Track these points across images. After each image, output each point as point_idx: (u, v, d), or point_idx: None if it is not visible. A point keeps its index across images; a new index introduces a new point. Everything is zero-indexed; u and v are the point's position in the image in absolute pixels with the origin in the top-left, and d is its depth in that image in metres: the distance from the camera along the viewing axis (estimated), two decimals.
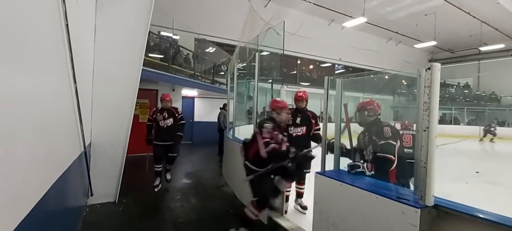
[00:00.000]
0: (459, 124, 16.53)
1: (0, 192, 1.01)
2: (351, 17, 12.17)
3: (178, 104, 8.32)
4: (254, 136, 2.80)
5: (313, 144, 3.46)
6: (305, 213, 3.43)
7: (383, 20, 13.52)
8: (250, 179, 2.78)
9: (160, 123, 4.35)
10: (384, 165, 2.21)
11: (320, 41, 13.99)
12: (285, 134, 2.92)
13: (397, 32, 15.24)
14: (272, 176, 2.86)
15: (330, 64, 16.02)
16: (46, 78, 1.60)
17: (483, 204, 1.58)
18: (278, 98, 3.22)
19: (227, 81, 7.15)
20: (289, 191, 3.51)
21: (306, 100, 3.60)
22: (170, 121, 4.41)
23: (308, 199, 3.34)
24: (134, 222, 3.32)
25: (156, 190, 4.38)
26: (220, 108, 8.22)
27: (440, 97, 1.62)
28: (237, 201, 4.08)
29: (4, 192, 1.04)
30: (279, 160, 2.69)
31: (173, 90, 8.16)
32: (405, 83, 14.49)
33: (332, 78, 2.56)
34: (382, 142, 2.23)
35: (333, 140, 2.49)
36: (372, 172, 2.25)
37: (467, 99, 18.35)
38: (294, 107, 3.58)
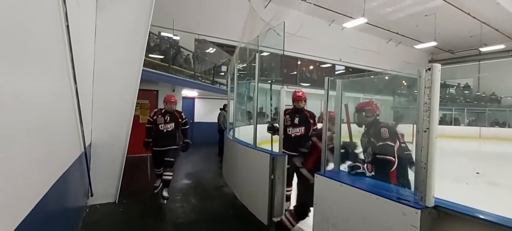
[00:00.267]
0: (459, 125, 16.53)
1: (0, 192, 1.01)
2: (351, 17, 12.19)
3: (178, 105, 8.31)
4: (314, 144, 2.73)
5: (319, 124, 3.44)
6: (308, 216, 3.40)
7: (383, 20, 13.54)
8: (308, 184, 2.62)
9: (159, 126, 3.95)
10: (384, 166, 2.21)
11: (320, 41, 14.00)
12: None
13: (397, 33, 15.26)
14: None
15: (330, 65, 16.02)
16: (47, 78, 1.60)
17: (484, 205, 1.58)
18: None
19: (227, 82, 7.15)
20: (290, 191, 3.50)
21: (304, 100, 3.60)
22: (171, 126, 3.99)
23: None
24: (134, 223, 3.32)
25: (155, 191, 4.17)
26: (220, 109, 8.23)
27: (440, 98, 1.62)
28: (237, 201, 4.08)
29: (4, 192, 1.04)
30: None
31: (173, 90, 8.16)
32: (405, 84, 14.48)
33: (332, 79, 2.55)
34: (380, 143, 2.23)
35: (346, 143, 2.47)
36: (372, 173, 2.25)
37: (467, 100, 18.35)
38: (292, 107, 3.57)
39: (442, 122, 16.24)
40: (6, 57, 1.05)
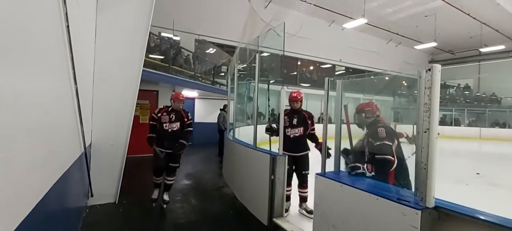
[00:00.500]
0: (459, 125, 16.52)
1: (0, 193, 1.01)
2: (351, 18, 12.19)
3: None
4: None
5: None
6: (311, 218, 3.38)
7: (383, 21, 13.55)
8: None
9: (164, 125, 3.64)
10: (384, 166, 2.21)
11: (320, 42, 14.02)
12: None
13: (397, 33, 15.27)
14: None
15: (330, 65, 16.03)
16: (47, 79, 1.60)
17: (484, 206, 1.58)
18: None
19: (227, 82, 7.16)
20: (289, 191, 3.50)
21: (301, 101, 3.60)
22: (176, 125, 3.69)
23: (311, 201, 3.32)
24: (134, 223, 3.32)
25: (154, 204, 3.76)
26: (220, 109, 8.23)
27: (440, 99, 1.62)
28: (237, 202, 4.08)
29: (4, 192, 1.04)
30: None
31: (174, 91, 8.16)
32: (405, 84, 14.48)
33: (332, 79, 2.56)
34: (378, 143, 2.23)
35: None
36: (373, 173, 2.25)
37: (467, 100, 18.34)
38: (290, 108, 3.57)
39: (442, 122, 16.22)
40: (6, 57, 1.05)
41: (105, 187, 3.71)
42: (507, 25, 13.53)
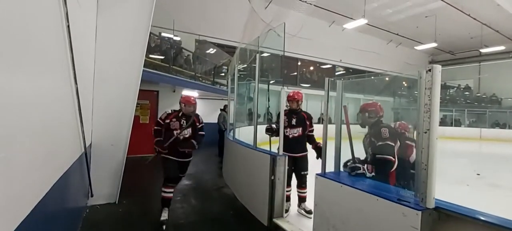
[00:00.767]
0: (460, 126, 16.52)
1: (0, 193, 1.01)
2: (351, 18, 12.19)
3: (178, 106, 8.31)
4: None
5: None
6: (310, 218, 3.39)
7: (383, 22, 13.54)
8: None
9: (174, 132, 3.31)
10: (384, 166, 2.21)
11: (321, 42, 14.02)
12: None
13: (397, 34, 15.26)
14: None
15: (331, 66, 16.03)
16: (47, 79, 1.60)
17: (484, 206, 1.57)
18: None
19: (227, 82, 7.16)
20: (289, 191, 3.51)
21: (300, 101, 3.60)
22: (188, 132, 3.39)
23: (311, 202, 3.33)
24: (134, 223, 3.32)
25: (164, 227, 3.18)
26: (221, 109, 8.22)
27: (440, 99, 1.62)
28: (237, 202, 4.08)
29: (4, 192, 1.04)
30: None
31: (174, 91, 8.16)
32: (405, 85, 14.48)
33: (332, 79, 2.56)
34: (380, 143, 2.23)
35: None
36: (373, 174, 2.25)
37: (468, 101, 18.34)
38: (289, 108, 3.56)
39: (443, 123, 16.22)
40: (6, 57, 1.05)
41: (105, 187, 3.71)
42: (507, 25, 13.52)
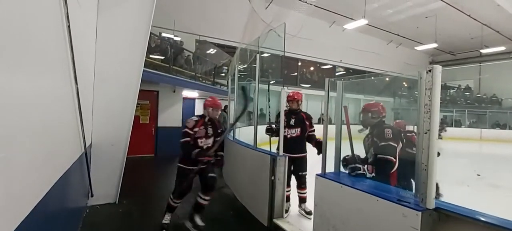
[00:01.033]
0: (460, 126, 16.51)
1: (0, 193, 1.01)
2: (352, 19, 12.19)
3: (178, 106, 8.33)
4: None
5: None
6: (310, 218, 3.39)
7: (384, 22, 13.54)
8: None
9: (199, 141, 2.97)
10: (385, 166, 2.20)
11: (321, 43, 14.01)
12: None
13: (398, 34, 15.26)
14: None
15: (331, 66, 16.02)
16: (47, 79, 1.60)
17: (484, 207, 1.57)
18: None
19: (227, 82, 7.16)
20: (289, 191, 3.50)
21: (299, 101, 3.60)
22: (211, 141, 3.08)
23: (311, 202, 3.33)
24: (134, 223, 3.32)
25: None
26: (221, 109, 8.21)
27: (441, 100, 1.62)
28: (237, 202, 4.08)
29: (4, 193, 1.04)
30: None
31: (174, 91, 8.16)
32: (406, 85, 14.48)
33: (333, 80, 2.56)
34: (383, 143, 2.23)
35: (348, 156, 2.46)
36: (373, 174, 2.25)
37: (468, 101, 18.33)
38: (288, 108, 3.56)
39: (443, 123, 16.20)
40: (6, 57, 1.05)
41: (105, 187, 3.71)
42: (507, 26, 13.51)
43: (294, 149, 3.47)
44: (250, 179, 3.77)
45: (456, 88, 19.66)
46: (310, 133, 3.57)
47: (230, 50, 10.59)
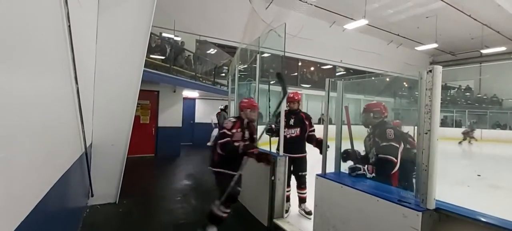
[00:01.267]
0: (460, 127, 16.49)
1: (0, 193, 1.01)
2: (352, 19, 12.19)
3: (179, 106, 8.33)
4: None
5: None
6: (309, 218, 3.38)
7: (384, 22, 13.53)
8: None
9: (235, 144, 2.77)
10: (385, 167, 2.20)
11: (321, 43, 14.02)
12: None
13: (398, 35, 15.25)
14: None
15: (331, 66, 16.02)
16: (48, 79, 1.60)
17: (485, 207, 1.57)
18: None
19: (228, 82, 7.16)
20: (289, 191, 3.50)
21: (298, 102, 3.60)
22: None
23: (312, 203, 3.33)
24: (134, 223, 3.32)
25: None
26: (221, 109, 8.22)
27: (441, 100, 1.62)
28: (237, 202, 4.05)
29: (4, 192, 1.04)
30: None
31: (174, 91, 8.17)
32: (406, 85, 14.47)
33: (333, 80, 2.56)
34: (384, 144, 2.22)
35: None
36: (373, 175, 2.25)
37: (468, 102, 18.32)
38: (288, 109, 3.57)
39: (444, 124, 16.20)
40: (7, 57, 1.05)
41: (106, 187, 3.71)
42: (508, 26, 13.51)
43: (294, 149, 3.47)
44: (250, 179, 3.76)
45: (456, 89, 19.66)
46: (310, 133, 3.57)
47: (230, 50, 10.60)
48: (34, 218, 1.32)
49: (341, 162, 2.49)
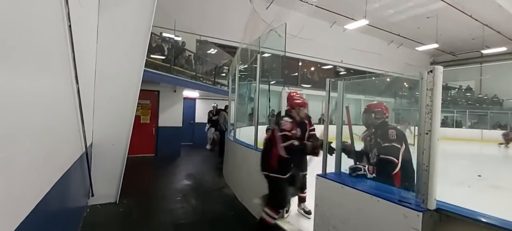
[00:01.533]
0: (461, 127, 16.48)
1: (1, 193, 1.01)
2: (352, 19, 12.18)
3: (179, 106, 8.33)
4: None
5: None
6: (309, 218, 3.39)
7: (385, 22, 13.52)
8: None
9: (295, 143, 2.66)
10: (386, 167, 2.20)
11: (322, 43, 14.01)
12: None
13: (398, 35, 15.24)
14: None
15: (332, 66, 16.02)
16: (48, 78, 1.60)
17: (485, 208, 1.57)
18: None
19: (228, 82, 7.16)
20: None
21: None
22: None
23: (311, 202, 3.33)
24: (135, 223, 3.32)
25: None
26: (221, 109, 8.23)
27: (442, 100, 1.61)
28: (237, 202, 4.08)
29: (4, 192, 1.04)
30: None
31: (175, 91, 8.17)
32: (406, 86, 14.45)
33: (333, 80, 2.55)
34: (386, 144, 2.22)
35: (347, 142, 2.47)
36: (374, 175, 2.24)
37: (469, 102, 18.29)
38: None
39: (444, 124, 16.18)
40: (8, 57, 1.05)
41: (106, 187, 3.72)
42: (509, 26, 13.48)
43: None
44: (251, 179, 3.77)
45: (457, 89, 19.62)
46: (311, 133, 3.56)
47: (231, 50, 10.60)
48: (35, 218, 1.32)
49: (341, 162, 2.49)
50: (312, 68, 15.58)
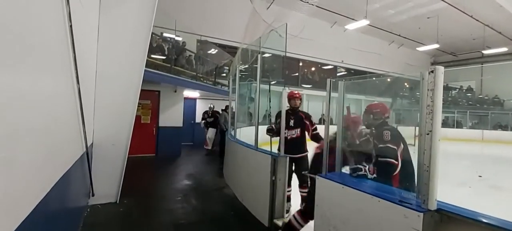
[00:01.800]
0: (462, 128, 16.46)
1: (1, 192, 1.01)
2: (353, 19, 12.18)
3: (179, 106, 8.34)
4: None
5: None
6: None
7: (385, 22, 13.52)
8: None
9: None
10: (386, 169, 2.19)
11: (322, 43, 14.01)
12: None
13: (399, 35, 15.23)
14: None
15: (332, 67, 16.01)
16: (49, 78, 1.60)
17: (486, 208, 1.56)
18: None
19: (229, 82, 7.16)
20: (289, 191, 3.50)
21: (300, 99, 3.58)
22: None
23: None
24: (135, 223, 3.32)
25: None
26: (222, 110, 8.23)
27: (443, 101, 1.61)
28: (238, 202, 4.07)
29: (5, 192, 1.04)
30: None
31: (175, 91, 8.17)
32: (407, 86, 14.43)
33: (334, 80, 2.55)
34: (381, 146, 2.21)
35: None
36: (374, 175, 2.24)
37: (470, 102, 18.27)
38: (287, 108, 3.55)
39: (445, 124, 16.16)
40: (9, 57, 1.06)
41: (106, 186, 3.72)
42: (510, 27, 13.46)
43: (295, 149, 3.46)
44: (251, 179, 3.77)
45: (458, 89, 19.59)
46: (314, 133, 3.55)
47: (231, 50, 10.61)
48: (35, 218, 1.32)
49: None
50: (313, 69, 15.58)
